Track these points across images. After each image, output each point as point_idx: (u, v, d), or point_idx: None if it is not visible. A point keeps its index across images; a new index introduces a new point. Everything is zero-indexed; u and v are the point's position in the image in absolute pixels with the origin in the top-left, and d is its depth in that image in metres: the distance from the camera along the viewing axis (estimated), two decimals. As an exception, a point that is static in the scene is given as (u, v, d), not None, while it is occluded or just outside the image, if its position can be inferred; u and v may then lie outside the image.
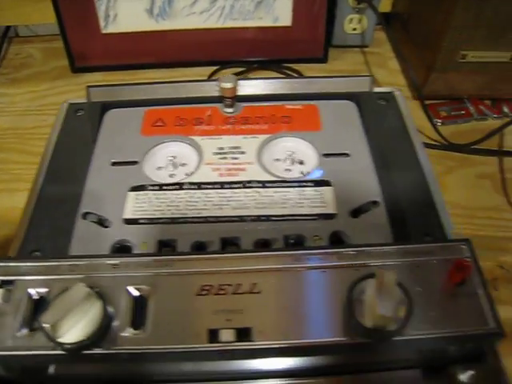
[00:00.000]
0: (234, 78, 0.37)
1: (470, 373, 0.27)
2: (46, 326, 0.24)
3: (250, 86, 0.41)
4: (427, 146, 0.60)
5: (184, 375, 0.27)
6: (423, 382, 0.27)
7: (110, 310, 0.26)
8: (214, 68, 0.68)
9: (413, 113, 0.62)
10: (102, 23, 0.67)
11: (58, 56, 0.72)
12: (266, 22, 0.68)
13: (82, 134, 0.40)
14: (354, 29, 0.70)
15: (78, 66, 0.70)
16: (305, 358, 0.26)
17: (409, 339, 0.25)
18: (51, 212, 0.34)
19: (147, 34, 0.68)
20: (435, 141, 0.61)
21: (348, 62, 0.71)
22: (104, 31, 0.68)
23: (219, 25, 0.68)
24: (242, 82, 0.40)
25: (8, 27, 0.76)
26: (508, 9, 0.57)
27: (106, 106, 0.40)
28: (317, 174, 0.34)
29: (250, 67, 0.68)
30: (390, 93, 0.42)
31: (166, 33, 0.68)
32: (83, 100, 0.43)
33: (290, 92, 0.40)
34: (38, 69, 0.72)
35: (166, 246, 0.31)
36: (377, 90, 0.42)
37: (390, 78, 0.67)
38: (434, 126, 0.59)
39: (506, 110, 0.64)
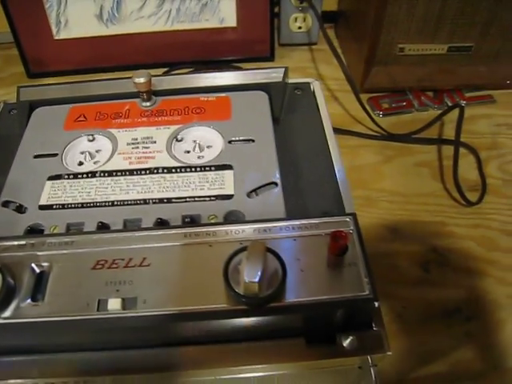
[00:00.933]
0: (147, 73, 0.39)
1: (351, 338, 0.29)
2: None
3: (167, 82, 0.42)
4: (367, 136, 0.62)
5: (81, 345, 0.29)
6: (307, 350, 0.29)
7: (11, 283, 0.28)
8: (164, 70, 0.70)
9: (354, 105, 0.64)
10: (54, 29, 0.70)
11: (16, 63, 0.74)
12: (213, 24, 0.70)
13: (10, 132, 0.42)
14: (300, 27, 0.72)
15: (33, 72, 0.72)
16: (189, 327, 0.28)
17: (284, 305, 0.27)
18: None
19: (98, 39, 0.70)
20: (376, 132, 0.63)
21: (295, 59, 0.73)
22: (56, 37, 0.70)
23: (167, 28, 0.70)
24: (160, 78, 0.42)
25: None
26: (440, 3, 0.59)
27: (33, 105, 0.42)
28: (219, 160, 0.36)
29: (198, 67, 0.70)
30: (306, 83, 0.44)
31: (116, 37, 0.70)
32: (12, 103, 0.45)
33: (204, 85, 0.42)
34: (-4, 76, 0.74)
35: (73, 228, 0.33)
36: (294, 80, 0.44)
37: (336, 73, 0.69)
38: (371, 117, 0.61)
39: (446, 100, 0.66)
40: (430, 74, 0.66)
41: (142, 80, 0.39)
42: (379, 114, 0.65)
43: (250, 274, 0.25)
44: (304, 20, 0.71)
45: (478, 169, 0.58)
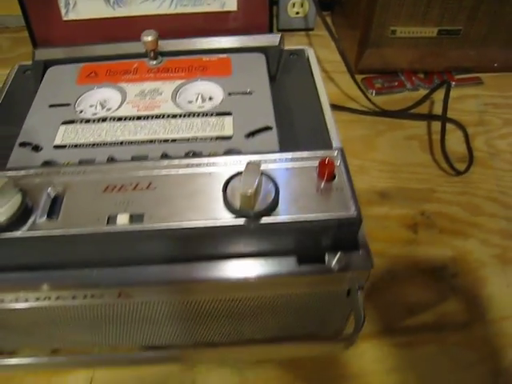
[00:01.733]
0: (154, 32, 0.42)
1: (339, 256, 0.31)
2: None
3: (172, 44, 0.46)
4: (360, 112, 0.65)
5: (90, 260, 0.31)
6: (299, 268, 0.31)
7: (29, 203, 0.31)
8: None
9: (350, 84, 0.67)
10: (62, 11, 0.72)
11: (25, 44, 0.77)
12: (214, 8, 0.73)
13: (26, 88, 0.45)
14: (297, 13, 0.75)
15: (42, 52, 0.75)
16: (189, 242, 0.30)
17: (277, 221, 0.30)
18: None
19: (105, 21, 0.73)
20: (369, 109, 0.66)
21: (293, 44, 0.75)
22: (65, 18, 0.73)
23: (171, 11, 0.73)
24: (166, 41, 0.45)
25: (-22, 19, 0.82)
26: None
27: (48, 64, 0.45)
28: (219, 108, 0.39)
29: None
30: (301, 50, 0.47)
31: (122, 19, 0.73)
32: (27, 64, 0.48)
33: (207, 47, 0.46)
34: (5, 55, 0.78)
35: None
36: (289, 47, 0.47)
37: (332, 56, 0.72)
38: (365, 94, 0.64)
39: (436, 81, 0.69)
40: (421, 57, 0.69)
41: (149, 38, 0.42)
42: (372, 93, 0.68)
43: (246, 186, 0.28)
44: (301, 6, 0.74)
45: (466, 142, 0.61)
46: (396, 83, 0.69)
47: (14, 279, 0.32)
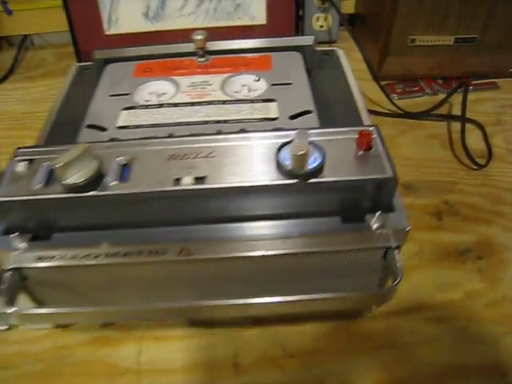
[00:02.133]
0: (204, 32, 0.47)
1: (378, 215, 0.35)
2: (57, 166, 0.32)
3: (219, 45, 0.51)
4: (383, 114, 0.69)
5: (156, 220, 0.35)
6: (342, 226, 0.35)
7: (103, 169, 0.35)
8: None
9: (373, 90, 0.72)
10: (105, 26, 0.79)
11: (68, 58, 0.84)
12: (244, 22, 0.79)
13: (87, 82, 0.50)
14: (321, 26, 0.81)
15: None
16: (245, 201, 0.34)
17: (324, 181, 0.33)
18: (62, 127, 0.43)
19: (144, 34, 0.79)
20: (391, 111, 0.70)
21: (318, 54, 0.82)
22: (107, 32, 0.80)
23: (205, 25, 0.79)
24: (212, 42, 0.50)
25: (25, 37, 0.89)
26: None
27: (106, 61, 0.50)
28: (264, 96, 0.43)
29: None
30: (332, 50, 0.52)
31: (159, 33, 0.79)
32: (86, 63, 0.53)
33: (248, 47, 0.51)
34: (50, 68, 0.84)
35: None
36: (321, 48, 0.52)
37: (354, 65, 0.76)
38: (389, 97, 0.69)
39: (454, 86, 0.74)
40: (439, 63, 0.73)
41: (199, 37, 0.47)
42: (394, 97, 0.72)
43: (298, 147, 0.32)
44: (325, 19, 0.80)
45: (485, 140, 0.65)
46: (416, 88, 0.73)
47: (87, 237, 0.36)
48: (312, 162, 0.34)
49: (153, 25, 0.79)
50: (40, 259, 0.36)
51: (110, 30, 0.80)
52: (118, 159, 0.36)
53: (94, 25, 0.79)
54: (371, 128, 0.37)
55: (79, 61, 0.81)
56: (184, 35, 0.79)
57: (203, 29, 0.74)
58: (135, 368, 0.45)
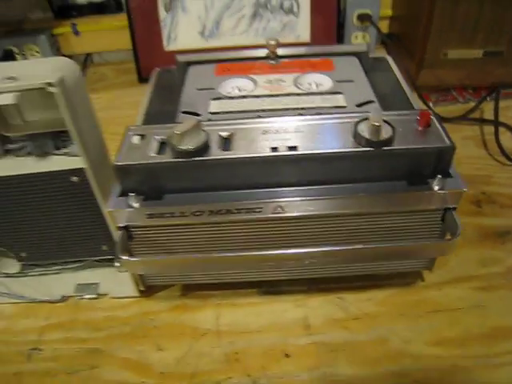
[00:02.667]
0: (276, 38, 0.55)
1: (438, 178, 0.41)
2: (177, 132, 0.40)
3: (286, 50, 0.58)
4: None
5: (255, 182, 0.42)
6: (408, 188, 0.41)
7: (209, 140, 0.42)
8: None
9: (409, 98, 0.79)
10: (165, 43, 0.88)
11: (126, 73, 0.93)
12: (291, 40, 0.87)
13: (172, 80, 0.58)
14: (360, 43, 0.89)
15: (143, 77, 0.90)
16: (331, 167, 0.41)
17: (395, 149, 0.40)
18: (157, 115, 0.51)
19: (199, 51, 0.88)
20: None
21: (356, 68, 0.90)
22: (166, 49, 0.89)
23: (255, 42, 0.88)
24: (281, 49, 0.58)
25: (87, 55, 0.98)
26: (475, 15, 0.76)
27: (189, 64, 0.58)
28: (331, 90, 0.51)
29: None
30: (382, 57, 0.60)
31: (213, 49, 0.88)
32: (168, 67, 0.61)
33: (312, 53, 0.58)
34: (111, 82, 0.93)
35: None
36: (373, 55, 0.60)
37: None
38: (426, 104, 0.76)
39: (484, 94, 0.81)
40: (469, 75, 0.81)
41: (272, 42, 0.55)
42: (430, 105, 0.79)
43: (375, 119, 0.39)
44: (363, 37, 0.88)
45: (517, 140, 0.71)
46: (449, 97, 0.81)
47: (193, 197, 0.42)
48: (384, 135, 0.41)
49: (208, 42, 0.88)
50: (151, 216, 0.43)
51: (169, 46, 0.89)
52: (220, 133, 0.43)
53: (154, 42, 0.88)
54: (428, 110, 0.44)
55: (139, 74, 0.91)
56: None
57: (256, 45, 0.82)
58: (215, 329, 0.51)
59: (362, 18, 0.86)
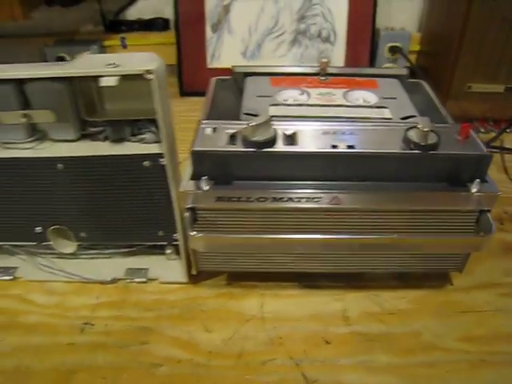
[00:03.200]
0: (328, 56, 0.61)
1: (476, 182, 0.46)
2: (252, 125, 0.45)
3: (334, 69, 0.64)
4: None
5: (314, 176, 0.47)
6: (448, 190, 0.47)
7: (276, 136, 0.47)
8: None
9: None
10: (208, 60, 0.95)
11: (169, 86, 0.99)
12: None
13: (231, 87, 0.63)
14: (389, 73, 0.96)
15: (185, 91, 0.97)
16: (375, 166, 0.46)
17: (440, 153, 0.45)
18: (220, 116, 0.56)
19: (240, 70, 0.94)
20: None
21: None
22: (209, 66, 0.95)
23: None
24: (330, 68, 0.64)
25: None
26: (499, 53, 0.83)
27: (246, 74, 0.64)
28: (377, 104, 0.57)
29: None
30: (418, 81, 0.66)
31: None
32: (224, 77, 0.67)
33: (359, 73, 0.64)
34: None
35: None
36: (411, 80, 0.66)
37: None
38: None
39: (503, 127, 0.87)
40: (491, 108, 0.87)
41: (324, 60, 0.61)
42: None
43: (423, 126, 0.45)
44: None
45: (535, 168, 0.77)
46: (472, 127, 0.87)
47: (258, 185, 0.47)
48: (430, 140, 0.46)
49: (248, 63, 0.95)
50: (219, 199, 0.47)
51: (212, 64, 0.95)
52: (285, 132, 0.48)
53: (199, 60, 0.95)
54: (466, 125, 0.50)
55: (181, 89, 0.97)
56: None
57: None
58: (259, 316, 0.55)
59: (393, 50, 0.93)
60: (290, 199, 0.47)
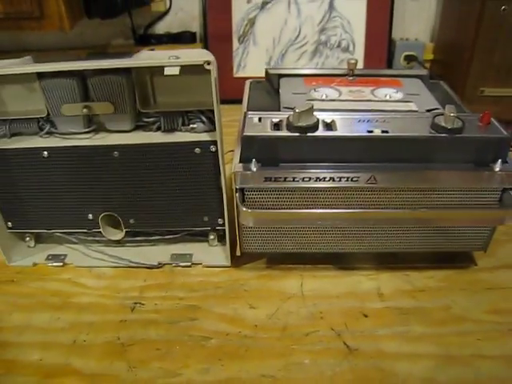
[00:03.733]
0: (356, 58, 0.67)
1: (499, 163, 0.51)
2: (297, 111, 0.50)
3: (360, 71, 0.70)
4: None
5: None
6: (474, 169, 0.51)
7: (318, 120, 0.52)
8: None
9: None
10: (235, 69, 1.01)
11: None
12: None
13: (267, 87, 0.69)
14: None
15: (212, 99, 1.02)
16: (408, 149, 0.51)
17: (465, 136, 0.50)
18: (261, 109, 0.61)
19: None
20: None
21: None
22: (235, 75, 1.01)
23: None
24: (358, 69, 0.69)
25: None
26: (509, 59, 0.88)
27: (280, 76, 0.70)
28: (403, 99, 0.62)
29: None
30: (438, 82, 0.71)
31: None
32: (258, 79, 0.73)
33: (384, 74, 0.70)
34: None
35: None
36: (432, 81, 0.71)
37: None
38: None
39: (515, 129, 0.92)
40: (503, 110, 0.93)
41: (353, 61, 0.67)
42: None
43: (449, 111, 0.50)
44: (408, 75, 1.01)
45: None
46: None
47: (303, 166, 0.52)
48: (456, 124, 0.51)
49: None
50: (267, 179, 0.52)
51: (238, 73, 1.01)
52: (323, 119, 0.53)
53: (226, 69, 1.01)
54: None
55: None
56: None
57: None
58: (300, 294, 0.59)
59: (409, 58, 0.99)
60: (332, 179, 0.52)
